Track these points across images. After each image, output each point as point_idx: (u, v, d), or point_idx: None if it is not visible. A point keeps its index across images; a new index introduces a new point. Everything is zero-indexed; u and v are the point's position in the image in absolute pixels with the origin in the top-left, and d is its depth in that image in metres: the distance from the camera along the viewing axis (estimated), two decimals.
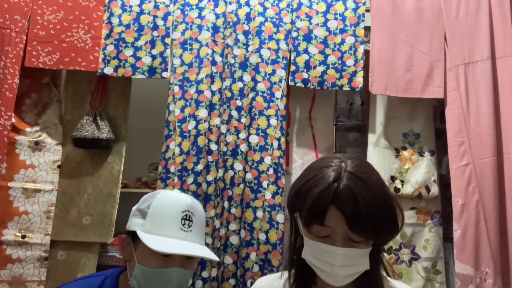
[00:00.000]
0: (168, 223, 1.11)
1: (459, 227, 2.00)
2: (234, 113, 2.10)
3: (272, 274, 1.03)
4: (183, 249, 1.08)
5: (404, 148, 2.21)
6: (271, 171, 2.05)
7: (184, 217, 1.11)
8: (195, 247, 1.10)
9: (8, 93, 2.00)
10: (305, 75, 2.14)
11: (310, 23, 2.18)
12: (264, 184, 2.04)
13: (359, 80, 2.12)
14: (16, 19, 2.05)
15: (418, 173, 2.16)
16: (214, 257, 1.14)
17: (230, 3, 2.17)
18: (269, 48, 2.16)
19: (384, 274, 0.94)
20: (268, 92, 2.13)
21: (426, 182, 2.15)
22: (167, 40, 2.14)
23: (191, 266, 1.13)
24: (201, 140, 2.03)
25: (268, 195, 2.03)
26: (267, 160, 2.06)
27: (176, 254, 1.08)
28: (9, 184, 2.06)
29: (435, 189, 2.15)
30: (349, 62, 2.13)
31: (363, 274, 0.87)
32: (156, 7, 2.15)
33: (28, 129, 2.13)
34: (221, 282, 2.00)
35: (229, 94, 2.10)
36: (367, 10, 2.19)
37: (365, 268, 0.86)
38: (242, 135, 2.08)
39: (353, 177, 0.83)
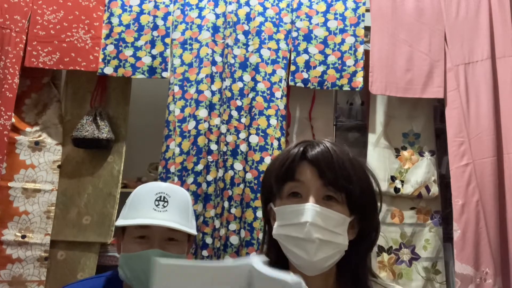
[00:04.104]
0: (142, 206, 1.11)
1: (459, 227, 2.00)
2: (234, 113, 2.10)
3: None
4: (148, 221, 1.07)
5: (404, 148, 2.21)
6: None
7: (158, 199, 1.11)
8: (165, 222, 1.08)
9: (8, 93, 2.00)
10: (305, 75, 2.14)
11: (310, 23, 2.18)
12: None
13: (359, 80, 2.12)
14: (16, 19, 2.05)
15: (418, 173, 2.16)
16: (190, 230, 1.12)
17: (230, 3, 2.17)
18: (269, 48, 2.16)
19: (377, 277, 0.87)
20: (268, 92, 2.13)
21: (426, 182, 2.15)
22: (167, 40, 2.14)
23: (174, 249, 1.10)
24: (201, 140, 2.03)
25: None
26: (267, 160, 2.06)
27: (139, 224, 1.07)
28: (9, 184, 2.06)
29: (435, 189, 2.15)
30: (349, 62, 2.13)
31: (348, 278, 0.81)
32: (156, 7, 2.15)
33: (28, 129, 2.13)
34: None
35: (229, 94, 2.10)
36: (367, 10, 2.19)
37: (343, 245, 0.78)
38: (242, 135, 2.08)
39: (325, 140, 0.83)
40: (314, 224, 0.75)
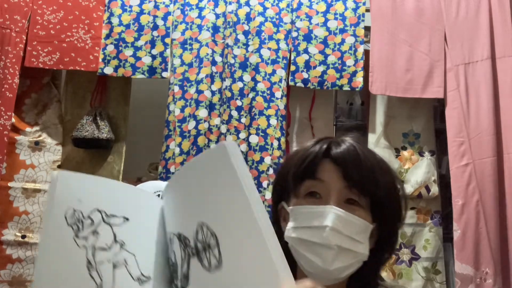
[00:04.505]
0: None
1: (459, 227, 2.00)
2: (234, 113, 2.10)
3: None
4: None
5: (404, 148, 2.21)
6: (271, 171, 2.05)
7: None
8: None
9: (8, 93, 2.00)
10: (305, 75, 2.14)
11: (310, 23, 2.18)
12: (264, 184, 2.04)
13: (359, 80, 2.12)
14: (16, 19, 2.05)
15: (418, 173, 2.16)
16: None
17: (230, 3, 2.17)
18: (269, 48, 2.16)
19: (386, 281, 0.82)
20: (268, 92, 2.13)
21: (426, 182, 2.15)
22: (167, 40, 2.14)
23: None
24: (201, 140, 2.03)
25: (268, 195, 2.03)
26: (267, 160, 2.06)
27: None
28: (9, 184, 2.06)
29: (435, 189, 2.15)
30: (349, 62, 2.13)
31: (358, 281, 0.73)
32: (156, 7, 2.15)
33: (28, 129, 2.13)
34: None
35: (229, 94, 2.10)
36: (367, 10, 2.19)
37: (363, 255, 0.70)
38: (242, 135, 2.08)
39: (348, 138, 0.75)
40: (334, 229, 0.68)
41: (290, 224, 0.72)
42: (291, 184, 0.74)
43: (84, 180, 0.52)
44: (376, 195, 0.71)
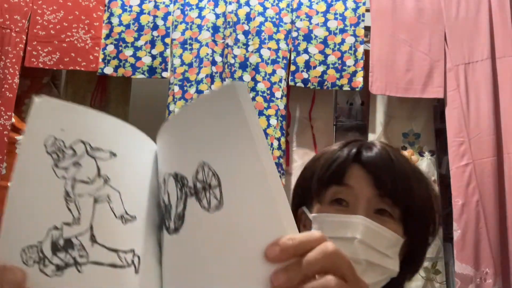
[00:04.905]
0: None
1: (459, 227, 2.00)
2: None
3: None
4: None
5: (404, 148, 2.21)
6: None
7: None
8: None
9: (8, 93, 2.00)
10: (305, 75, 2.14)
11: (310, 23, 2.18)
12: None
13: (359, 80, 2.12)
14: (16, 19, 2.05)
15: None
16: None
17: (230, 3, 2.17)
18: (269, 48, 2.16)
19: None
20: (268, 92, 2.13)
21: None
22: (167, 40, 2.14)
23: None
24: None
25: None
26: None
27: None
28: (9, 184, 2.05)
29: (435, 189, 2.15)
30: (349, 62, 2.13)
31: None
32: (156, 7, 2.15)
33: None
34: None
35: None
36: (367, 10, 2.19)
37: (392, 271, 0.64)
38: None
39: (380, 142, 0.69)
40: (363, 242, 0.62)
41: None
42: (315, 188, 0.69)
43: (70, 109, 0.47)
44: (410, 206, 0.65)
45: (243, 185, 0.43)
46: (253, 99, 2.12)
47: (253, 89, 2.13)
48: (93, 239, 0.43)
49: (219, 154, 0.44)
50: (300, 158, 2.20)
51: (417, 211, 0.66)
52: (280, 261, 0.37)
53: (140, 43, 2.12)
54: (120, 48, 2.11)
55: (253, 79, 2.13)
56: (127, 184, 0.47)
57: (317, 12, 2.18)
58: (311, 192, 0.69)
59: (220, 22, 2.14)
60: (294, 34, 2.18)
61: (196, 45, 2.13)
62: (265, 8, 2.19)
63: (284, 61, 2.16)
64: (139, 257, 0.44)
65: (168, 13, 2.16)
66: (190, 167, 0.45)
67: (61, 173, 0.44)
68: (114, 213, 0.45)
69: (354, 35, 2.15)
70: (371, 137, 2.20)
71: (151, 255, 0.46)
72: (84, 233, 0.42)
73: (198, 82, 2.08)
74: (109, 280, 0.42)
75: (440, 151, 2.30)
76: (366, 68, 2.13)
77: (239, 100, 0.43)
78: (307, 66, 2.14)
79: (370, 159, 0.66)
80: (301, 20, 2.18)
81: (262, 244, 0.39)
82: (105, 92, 2.23)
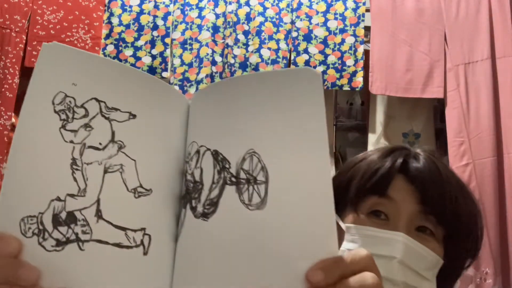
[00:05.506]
0: None
1: None
2: None
3: None
4: None
5: None
6: None
7: None
8: None
9: (8, 93, 2.00)
10: None
11: (310, 23, 2.18)
12: None
13: (359, 80, 2.12)
14: (16, 19, 2.05)
15: None
16: None
17: (230, 3, 2.17)
18: (269, 48, 2.16)
19: None
20: None
21: None
22: (167, 40, 2.14)
23: None
24: None
25: None
26: None
27: None
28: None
29: None
30: (349, 62, 2.13)
31: None
32: (156, 7, 2.16)
33: None
34: None
35: None
36: (367, 10, 2.19)
37: None
38: None
39: (424, 151, 0.63)
40: (403, 262, 0.56)
41: (346, 245, 0.60)
42: (352, 196, 0.63)
43: (85, 58, 0.40)
44: (455, 227, 0.60)
45: (297, 192, 0.37)
46: None
47: None
48: (99, 214, 0.38)
49: (275, 147, 0.37)
50: None
51: (462, 233, 0.61)
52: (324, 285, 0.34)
53: (140, 43, 2.12)
54: (120, 48, 2.11)
55: None
56: (145, 152, 0.41)
57: (317, 12, 2.19)
58: (346, 199, 0.64)
59: (220, 22, 2.14)
60: (294, 34, 2.18)
61: (196, 45, 2.13)
62: (265, 8, 2.19)
63: (284, 61, 2.16)
64: (150, 237, 0.39)
65: (168, 13, 2.16)
66: (236, 150, 0.39)
67: (69, 137, 0.39)
68: (126, 185, 0.39)
69: (354, 35, 2.15)
70: (371, 137, 2.20)
71: (165, 232, 0.41)
72: (90, 208, 0.38)
73: (198, 82, 2.08)
74: (112, 261, 0.38)
75: (440, 151, 2.30)
76: (366, 68, 2.13)
77: (319, 91, 0.37)
78: (307, 66, 2.14)
79: (417, 172, 0.60)
80: (301, 20, 2.18)
81: (304, 263, 0.35)
82: None
